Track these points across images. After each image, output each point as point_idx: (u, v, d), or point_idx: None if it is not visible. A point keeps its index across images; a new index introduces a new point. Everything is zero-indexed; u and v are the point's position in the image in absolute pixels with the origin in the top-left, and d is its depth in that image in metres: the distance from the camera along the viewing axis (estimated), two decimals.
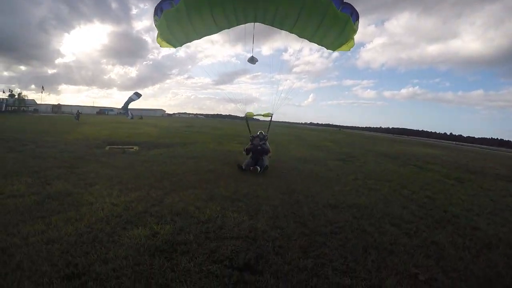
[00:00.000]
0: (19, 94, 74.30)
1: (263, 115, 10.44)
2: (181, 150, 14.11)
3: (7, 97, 70.80)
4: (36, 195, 5.59)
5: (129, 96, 55.14)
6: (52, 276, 3.03)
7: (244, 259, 3.74)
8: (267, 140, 10.43)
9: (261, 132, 10.73)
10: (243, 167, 9.29)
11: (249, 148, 9.95)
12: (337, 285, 3.31)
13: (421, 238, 4.86)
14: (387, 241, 4.60)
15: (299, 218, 5.44)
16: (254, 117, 10.66)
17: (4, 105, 65.62)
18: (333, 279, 3.41)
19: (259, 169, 9.04)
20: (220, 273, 3.38)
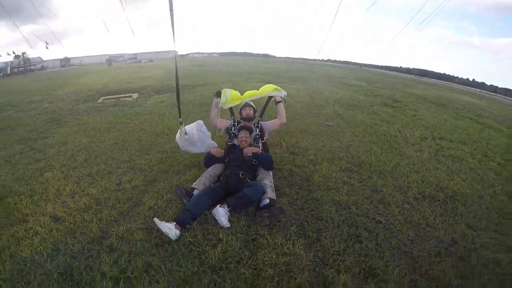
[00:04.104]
0: (23, 53, 70.98)
1: (264, 92, 4.16)
2: (188, 95, 11.06)
3: (12, 59, 68.01)
4: None
5: None
6: None
7: None
8: (266, 131, 4.18)
9: (249, 108, 4.27)
10: (186, 203, 2.96)
11: (210, 155, 3.68)
12: None
13: None
14: None
15: (394, 234, 2.84)
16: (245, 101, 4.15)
17: (9, 67, 63.11)
18: None
19: (225, 218, 2.77)
20: None
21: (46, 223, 2.81)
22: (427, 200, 3.59)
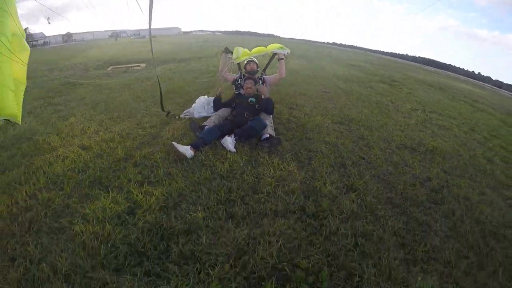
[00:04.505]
0: (25, 29, 69.81)
1: (270, 49, 4.62)
2: (196, 64, 11.50)
3: None
4: None
5: None
6: None
7: (312, 268, 1.82)
8: (268, 83, 4.60)
9: (252, 63, 4.63)
10: (199, 134, 3.54)
11: (218, 99, 4.25)
12: None
13: None
14: (502, 223, 2.75)
15: (375, 168, 3.34)
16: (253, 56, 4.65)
17: None
18: None
19: (232, 144, 3.31)
20: None
21: (75, 150, 3.31)
22: (408, 150, 4.09)
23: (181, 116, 4.49)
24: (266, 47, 4.62)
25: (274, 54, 4.63)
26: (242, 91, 4.31)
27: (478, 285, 1.95)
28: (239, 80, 4.53)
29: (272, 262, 1.84)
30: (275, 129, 3.91)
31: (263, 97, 4.07)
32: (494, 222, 2.70)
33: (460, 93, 13.90)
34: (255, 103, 4.00)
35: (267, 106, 3.96)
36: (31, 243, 1.93)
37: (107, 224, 2.08)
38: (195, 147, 3.16)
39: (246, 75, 4.53)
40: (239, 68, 4.82)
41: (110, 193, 2.46)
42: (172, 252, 1.88)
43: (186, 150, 3.05)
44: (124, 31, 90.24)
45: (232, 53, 4.59)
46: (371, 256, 1.99)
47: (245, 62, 4.63)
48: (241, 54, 4.51)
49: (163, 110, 4.06)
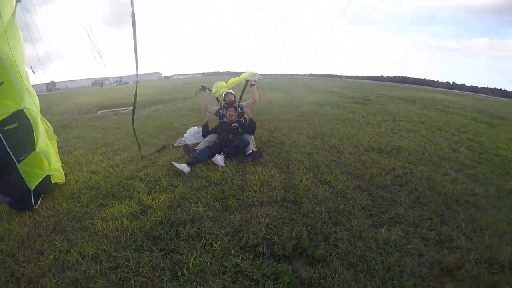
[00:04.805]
0: None
1: (243, 78, 5.49)
2: (181, 104, 12.29)
3: None
4: None
5: None
6: None
7: (291, 238, 2.31)
8: (245, 109, 5.29)
9: (230, 94, 5.36)
10: (192, 155, 4.17)
11: (206, 127, 4.91)
12: (440, 265, 2.12)
13: (494, 187, 3.65)
14: (463, 191, 3.41)
15: (345, 166, 3.97)
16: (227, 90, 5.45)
17: None
18: (429, 257, 2.20)
19: (222, 161, 3.90)
20: (257, 271, 1.98)
21: (85, 175, 3.78)
22: (376, 151, 4.78)
23: (175, 145, 5.07)
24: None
25: (247, 81, 5.45)
26: (225, 119, 4.97)
27: (443, 237, 2.45)
28: (221, 111, 5.19)
29: (262, 234, 2.35)
30: (257, 147, 4.53)
31: (246, 118, 4.76)
32: (456, 193, 3.30)
33: (431, 102, 15.17)
34: (238, 127, 4.65)
35: (248, 128, 4.62)
36: (58, 239, 2.37)
37: (125, 220, 2.56)
38: (191, 164, 3.72)
39: (226, 105, 5.21)
40: (219, 101, 5.54)
41: (123, 201, 2.95)
42: (181, 234, 2.37)
43: (184, 167, 3.60)
44: (107, 78, 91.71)
45: (209, 89, 5.41)
46: (343, 224, 2.53)
47: (224, 94, 5.36)
48: (219, 87, 5.36)
49: (140, 151, 4.51)
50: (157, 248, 2.22)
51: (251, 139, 4.54)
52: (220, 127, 4.82)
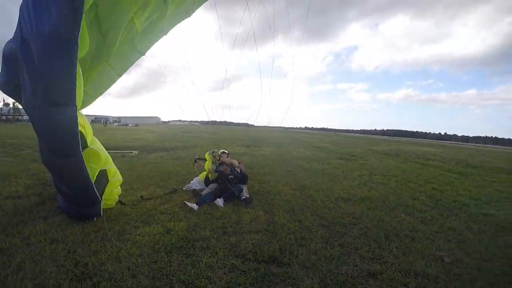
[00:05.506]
0: (14, 103, 71.75)
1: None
2: (183, 153, 13.78)
3: (1, 107, 68.83)
4: (37, 196, 5.33)
5: None
6: (59, 278, 2.78)
7: (268, 251, 3.52)
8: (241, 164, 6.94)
9: (224, 154, 7.12)
10: (199, 198, 5.45)
11: (208, 179, 6.33)
12: (368, 271, 3.25)
13: (437, 225, 4.95)
14: (406, 228, 4.66)
15: (315, 210, 5.27)
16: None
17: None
18: (362, 266, 3.35)
19: (221, 203, 5.20)
20: (245, 267, 3.16)
21: (115, 205, 4.97)
22: (344, 200, 6.10)
23: (184, 188, 6.36)
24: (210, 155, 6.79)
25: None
26: (222, 172, 6.25)
27: (375, 255, 3.52)
28: (217, 168, 6.39)
29: (249, 248, 3.56)
30: (250, 194, 5.86)
31: (239, 171, 6.15)
32: (398, 229, 4.52)
33: (414, 155, 16.94)
34: (234, 178, 6.01)
35: (241, 180, 6.01)
36: (107, 245, 3.48)
37: (156, 235, 3.77)
38: (198, 204, 5.02)
39: (220, 162, 6.54)
40: (217, 159, 6.78)
41: (151, 225, 4.15)
42: (196, 246, 3.57)
43: (194, 206, 4.90)
44: (106, 117, 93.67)
45: (203, 159, 7.00)
46: (305, 246, 3.73)
47: (220, 154, 6.86)
48: (207, 156, 6.82)
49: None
50: (181, 252, 3.41)
51: (245, 188, 5.89)
52: (219, 178, 6.16)
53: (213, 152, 6.84)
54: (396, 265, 3.40)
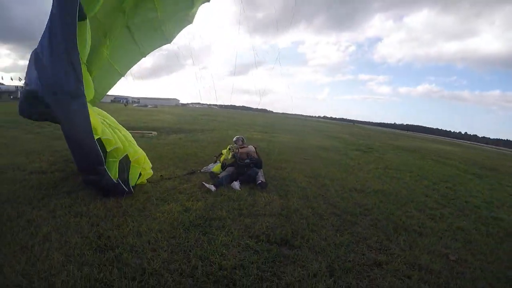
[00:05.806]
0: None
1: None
2: (201, 135, 14.09)
3: (22, 85, 71.25)
4: (60, 172, 5.62)
5: None
6: (83, 248, 2.99)
7: (281, 234, 3.67)
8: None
9: (239, 138, 7.28)
10: (216, 180, 5.57)
11: (225, 163, 6.58)
12: (374, 260, 3.34)
13: (446, 223, 4.91)
14: (415, 224, 4.68)
15: (328, 199, 5.36)
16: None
17: (19, 92, 66.43)
18: (369, 255, 3.45)
19: (238, 186, 5.39)
20: (258, 247, 3.32)
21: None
22: (357, 191, 6.15)
23: (202, 170, 6.56)
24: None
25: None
26: (238, 157, 6.42)
27: (382, 246, 3.60)
28: (236, 154, 6.56)
29: (263, 230, 3.71)
30: (265, 179, 5.99)
31: (254, 156, 6.29)
32: (407, 224, 4.57)
33: (432, 153, 16.64)
34: (250, 163, 6.13)
35: (257, 164, 6.13)
36: (129, 220, 3.70)
37: (175, 213, 3.98)
38: (216, 186, 5.19)
39: (238, 149, 6.64)
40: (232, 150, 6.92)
41: (171, 203, 4.37)
42: (213, 225, 3.76)
43: (211, 187, 5.08)
44: (126, 98, 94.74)
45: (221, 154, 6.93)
46: (316, 232, 3.86)
47: (235, 142, 6.99)
48: (225, 151, 6.77)
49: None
50: (198, 230, 3.60)
51: (260, 172, 6.02)
52: (236, 162, 6.32)
53: (232, 149, 6.82)
54: (401, 257, 3.47)
